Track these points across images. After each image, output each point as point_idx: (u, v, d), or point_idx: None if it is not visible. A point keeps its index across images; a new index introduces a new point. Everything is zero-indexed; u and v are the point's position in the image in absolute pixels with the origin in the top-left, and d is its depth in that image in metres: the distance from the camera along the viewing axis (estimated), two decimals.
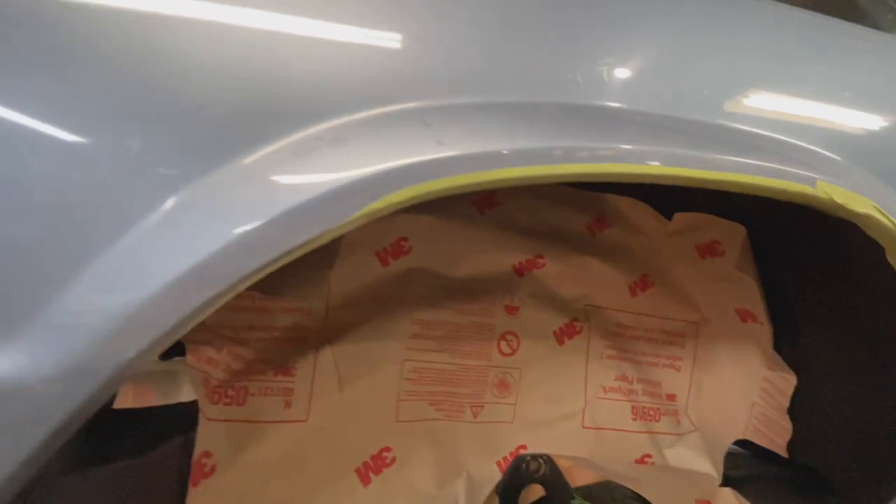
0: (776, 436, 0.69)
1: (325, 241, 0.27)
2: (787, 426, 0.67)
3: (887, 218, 0.38)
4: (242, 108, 0.27)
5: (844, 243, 0.54)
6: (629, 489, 0.56)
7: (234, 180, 0.26)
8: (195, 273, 0.25)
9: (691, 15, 0.41)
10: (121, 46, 0.26)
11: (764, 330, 0.67)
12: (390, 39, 0.30)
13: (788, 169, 0.35)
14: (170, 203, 0.25)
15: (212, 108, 0.26)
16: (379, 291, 0.60)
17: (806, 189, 0.35)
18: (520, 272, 0.67)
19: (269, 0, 0.28)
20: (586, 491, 0.57)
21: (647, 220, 0.71)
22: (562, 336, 0.68)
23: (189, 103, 0.27)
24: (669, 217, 0.69)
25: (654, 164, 0.31)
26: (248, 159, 0.26)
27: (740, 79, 0.40)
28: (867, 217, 0.37)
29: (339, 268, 0.58)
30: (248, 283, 0.27)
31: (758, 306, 0.66)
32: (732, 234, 0.66)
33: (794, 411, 0.66)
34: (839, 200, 0.36)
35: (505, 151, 0.29)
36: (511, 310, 0.66)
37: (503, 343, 0.65)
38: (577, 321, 0.69)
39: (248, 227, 0.25)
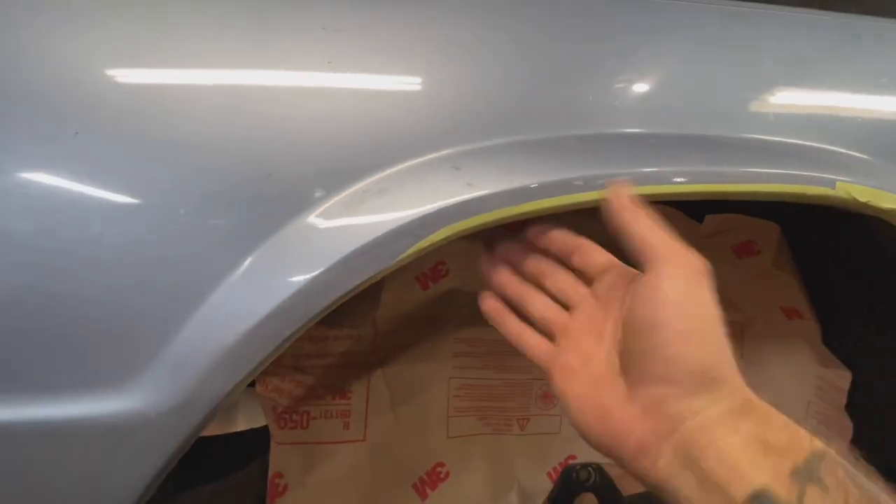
0: (837, 435, 0.67)
1: (379, 278, 0.31)
2: (847, 424, 0.65)
3: None
4: (300, 174, 0.32)
5: (883, 235, 0.53)
6: None
7: (299, 236, 0.30)
8: (273, 316, 0.29)
9: (698, 30, 0.43)
10: (205, 127, 0.32)
11: (811, 326, 0.66)
12: (418, 98, 0.35)
13: (805, 173, 0.37)
14: (248, 261, 0.30)
15: (276, 175, 0.31)
16: (422, 314, 0.64)
17: (826, 191, 0.37)
18: None
19: (311, 82, 0.33)
20: (641, 499, 0.58)
21: (680, 225, 0.71)
22: None
23: (259, 172, 0.32)
24: (700, 220, 0.70)
25: (671, 182, 0.33)
26: (309, 216, 0.31)
27: (754, 87, 0.42)
28: (892, 212, 0.38)
29: (384, 295, 0.63)
30: (318, 319, 0.31)
31: (802, 303, 0.65)
32: (766, 233, 0.66)
33: (852, 408, 0.64)
34: (862, 199, 0.37)
35: (531, 186, 0.32)
36: None
37: None
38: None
39: (313, 274, 0.29)
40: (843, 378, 0.65)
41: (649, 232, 0.30)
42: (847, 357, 0.64)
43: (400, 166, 0.33)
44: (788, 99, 0.42)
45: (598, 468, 0.56)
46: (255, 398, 0.54)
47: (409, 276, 0.65)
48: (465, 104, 0.35)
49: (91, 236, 0.29)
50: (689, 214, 0.70)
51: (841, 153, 0.41)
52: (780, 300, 0.68)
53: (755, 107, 0.41)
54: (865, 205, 0.37)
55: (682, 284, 0.29)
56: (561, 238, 0.36)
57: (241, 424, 0.56)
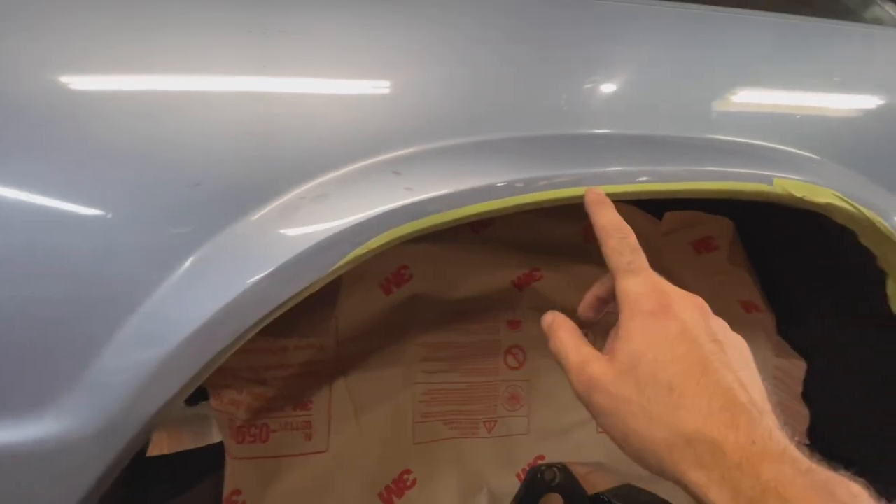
0: (794, 423, 0.69)
1: (318, 287, 0.31)
2: (804, 412, 0.67)
3: (850, 204, 0.39)
4: (232, 182, 0.30)
5: (833, 228, 0.55)
6: (648, 492, 0.57)
7: (230, 247, 0.29)
8: (203, 332, 0.28)
9: (651, 35, 0.44)
10: (132, 133, 0.30)
11: (768, 318, 0.68)
12: (358, 101, 0.34)
13: (743, 170, 0.37)
14: (175, 275, 0.29)
15: (205, 185, 0.30)
16: (385, 320, 0.63)
17: (762, 187, 0.37)
18: (519, 287, 0.69)
19: (244, 86, 0.32)
20: (605, 497, 0.58)
21: (639, 222, 0.72)
22: None
23: (186, 181, 0.30)
24: (659, 217, 0.71)
25: (608, 185, 0.33)
26: (241, 226, 0.30)
27: (700, 88, 0.42)
28: (829, 206, 0.39)
29: (344, 301, 0.61)
30: (254, 332, 0.30)
31: (757, 296, 0.66)
32: (722, 229, 0.67)
33: (808, 397, 0.66)
34: (798, 194, 0.38)
35: (465, 189, 0.32)
36: (514, 324, 0.68)
37: (509, 357, 0.67)
38: (581, 328, 0.71)
39: (244, 287, 0.28)
40: (798, 367, 0.67)
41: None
42: (802, 347, 0.66)
43: (338, 171, 0.32)
44: (733, 98, 0.43)
45: (563, 468, 0.56)
46: (208, 414, 0.52)
47: (372, 282, 0.64)
48: (408, 107, 0.35)
49: (4, 246, 0.27)
50: (648, 211, 0.71)
51: (782, 150, 0.42)
52: (738, 294, 0.69)
53: (698, 106, 0.41)
54: (801, 199, 0.38)
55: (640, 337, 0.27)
56: None
57: (214, 437, 0.54)
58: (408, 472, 0.60)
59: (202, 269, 0.29)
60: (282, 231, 0.30)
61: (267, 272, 0.29)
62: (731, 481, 0.23)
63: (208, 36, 0.34)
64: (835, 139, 0.45)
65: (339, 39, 0.35)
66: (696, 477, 0.24)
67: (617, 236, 0.31)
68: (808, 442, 0.67)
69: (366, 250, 0.30)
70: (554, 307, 0.71)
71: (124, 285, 0.29)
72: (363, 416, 0.59)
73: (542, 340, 0.72)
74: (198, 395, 0.54)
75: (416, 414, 0.62)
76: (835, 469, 0.23)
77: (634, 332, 0.28)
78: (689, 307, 0.28)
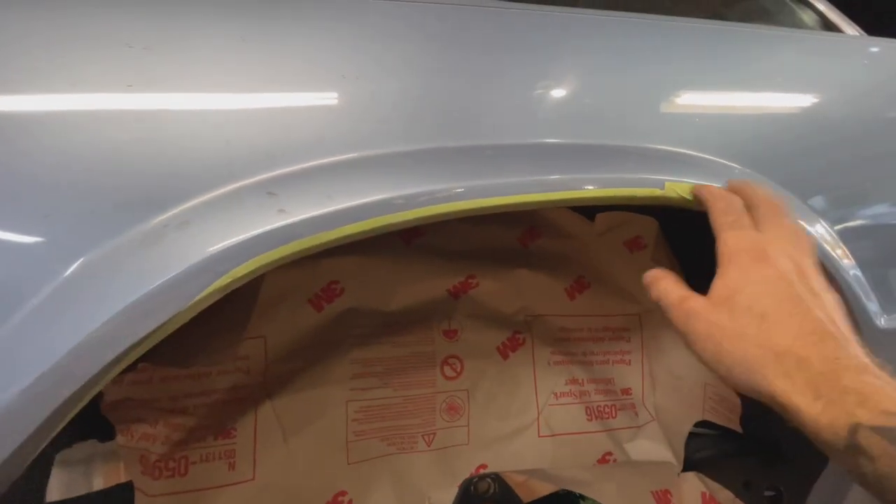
0: (730, 412, 0.70)
1: (181, 322, 0.29)
2: (737, 402, 0.69)
3: None
4: (86, 212, 0.28)
5: None
6: (586, 497, 0.57)
7: (82, 282, 0.27)
8: (48, 377, 0.26)
9: (566, 42, 0.44)
10: None
11: None
12: (227, 119, 0.32)
13: (634, 176, 0.38)
14: (19, 314, 0.27)
15: (55, 217, 0.28)
16: (316, 338, 0.61)
17: (654, 192, 0.38)
18: (455, 295, 0.68)
19: (104, 105, 0.30)
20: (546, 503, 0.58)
21: (575, 224, 0.73)
22: (506, 350, 0.70)
23: (35, 212, 0.28)
24: (591, 217, 0.72)
25: (488, 198, 0.33)
26: (95, 258, 0.28)
27: (619, 94, 0.43)
28: None
29: (272, 321, 0.59)
30: (111, 374, 0.28)
31: None
32: (649, 227, 0.69)
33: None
34: (688, 196, 0.38)
35: (343, 208, 0.30)
36: (450, 334, 0.67)
37: (446, 367, 0.66)
38: (519, 333, 0.71)
39: (94, 326, 0.26)
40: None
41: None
42: None
43: (207, 196, 0.30)
44: (652, 105, 0.44)
45: (498, 477, 0.56)
46: (115, 452, 0.49)
47: (301, 299, 0.62)
48: (286, 124, 0.33)
49: None
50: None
51: (680, 153, 0.43)
52: None
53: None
54: (692, 202, 0.39)
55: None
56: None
57: (122, 476, 0.50)
58: (342, 493, 0.58)
59: (50, 307, 0.27)
60: (141, 262, 0.28)
61: (120, 308, 0.27)
62: (814, 385, 0.25)
63: (72, 53, 0.31)
64: (743, 145, 0.46)
65: (208, 54, 0.34)
66: (782, 385, 0.26)
67: (726, 200, 0.35)
68: (741, 430, 0.68)
69: (230, 279, 0.28)
70: (491, 314, 0.71)
71: None
72: (292, 439, 0.57)
73: (480, 348, 0.72)
74: (109, 430, 0.51)
75: (350, 433, 0.60)
76: None
77: (732, 273, 0.31)
78: (786, 261, 0.31)
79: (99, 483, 0.47)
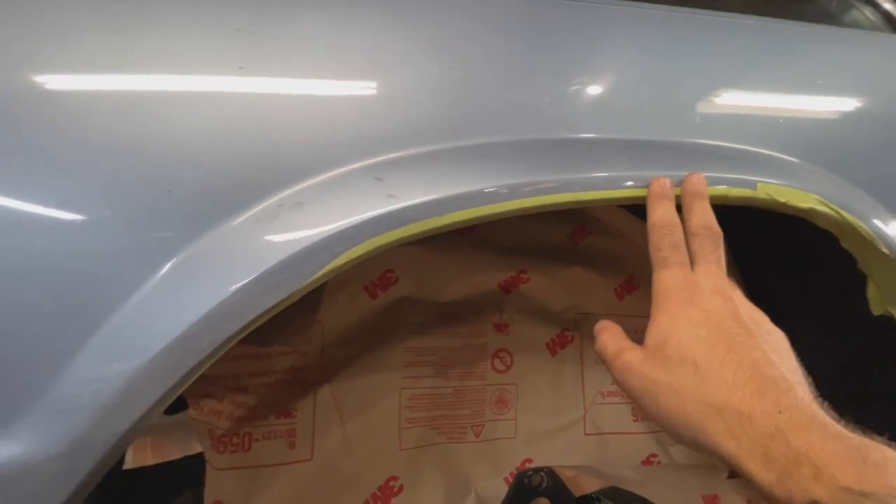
0: None
1: (298, 297, 0.30)
2: None
3: (831, 209, 0.39)
4: (204, 189, 0.29)
5: (809, 231, 0.56)
6: (635, 494, 0.57)
7: (205, 257, 0.28)
8: (176, 346, 0.27)
9: (634, 38, 0.44)
10: (102, 134, 0.29)
11: None
12: (338, 105, 0.33)
13: (728, 175, 0.37)
14: (147, 285, 0.28)
15: (176, 192, 0.29)
16: (371, 325, 0.62)
17: (747, 192, 0.37)
18: (506, 290, 0.69)
19: (220, 88, 0.31)
20: (592, 500, 0.58)
21: (626, 223, 0.73)
22: (554, 347, 0.70)
23: (159, 188, 0.29)
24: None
25: (588, 191, 0.33)
26: (215, 235, 0.29)
27: (685, 92, 0.42)
28: (811, 211, 0.39)
29: (329, 306, 0.60)
30: (231, 344, 0.29)
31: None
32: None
33: None
34: (781, 199, 0.38)
35: (449, 196, 0.31)
36: (501, 327, 0.68)
37: (496, 360, 0.67)
38: (567, 331, 0.71)
39: (219, 299, 0.27)
40: None
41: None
42: None
43: (318, 178, 0.31)
44: (716, 102, 0.43)
45: (551, 472, 0.56)
46: (188, 424, 0.50)
47: (357, 286, 0.63)
48: (391, 110, 0.34)
49: None
50: (639, 215, 0.72)
51: (766, 154, 0.42)
52: None
53: (683, 110, 0.41)
54: (785, 205, 0.38)
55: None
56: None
57: (195, 447, 0.52)
58: (394, 478, 0.59)
59: (177, 278, 0.28)
60: (259, 240, 0.29)
61: (244, 283, 0.28)
62: (762, 449, 0.24)
63: (183, 36, 0.32)
64: (817, 143, 0.45)
65: (319, 40, 0.34)
66: (729, 447, 0.25)
67: (660, 232, 0.33)
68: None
69: (346, 260, 0.29)
70: (541, 310, 0.71)
71: (94, 294, 0.28)
72: (348, 423, 0.58)
73: (530, 343, 0.72)
74: (178, 405, 0.53)
75: (403, 420, 0.61)
76: (868, 435, 0.23)
77: (661, 318, 0.30)
78: (715, 298, 0.30)
79: (173, 453, 0.48)
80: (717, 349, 0.27)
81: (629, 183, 0.35)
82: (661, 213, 0.33)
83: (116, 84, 0.30)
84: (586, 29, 0.41)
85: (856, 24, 0.82)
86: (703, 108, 0.42)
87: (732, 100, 0.44)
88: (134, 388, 0.27)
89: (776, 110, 0.46)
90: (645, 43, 0.44)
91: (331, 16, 0.35)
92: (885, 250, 0.41)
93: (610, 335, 0.33)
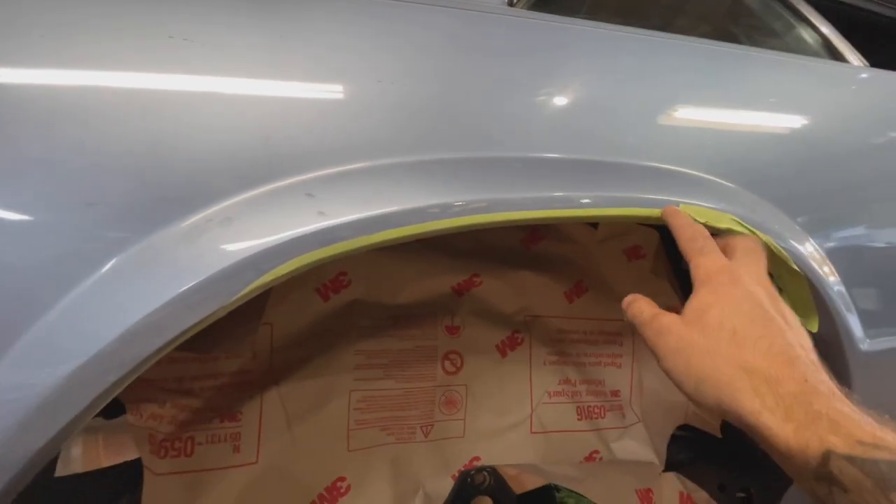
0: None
1: (223, 314, 0.30)
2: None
3: (747, 228, 0.42)
4: (130, 203, 0.29)
5: None
6: (573, 491, 0.60)
7: (125, 273, 0.28)
8: (94, 363, 0.27)
9: (581, 59, 0.45)
10: (30, 138, 0.28)
11: None
12: (268, 117, 0.33)
13: (651, 196, 0.40)
14: (65, 301, 0.27)
15: (100, 207, 0.29)
16: (322, 327, 0.63)
17: (655, 212, 0.40)
18: (459, 293, 0.70)
19: (143, 99, 0.31)
20: (532, 497, 0.61)
21: (578, 230, 0.75)
22: (504, 348, 0.72)
23: (80, 201, 0.29)
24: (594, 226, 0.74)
25: (519, 210, 0.34)
26: (139, 251, 0.28)
27: (621, 113, 0.44)
28: (728, 231, 0.42)
29: (280, 308, 0.60)
30: (155, 359, 0.29)
31: (677, 301, 0.71)
32: (650, 238, 0.71)
33: None
34: (699, 219, 0.40)
35: (381, 213, 0.32)
36: (452, 330, 0.69)
37: (447, 362, 0.68)
38: (518, 332, 0.73)
39: (140, 316, 0.27)
40: None
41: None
42: None
43: (248, 193, 0.31)
44: (648, 123, 0.45)
45: (493, 471, 0.59)
46: (122, 429, 0.50)
47: (309, 288, 0.63)
48: (324, 126, 0.34)
49: None
50: None
51: (690, 175, 0.45)
52: (663, 299, 0.73)
53: (616, 131, 0.43)
54: (703, 224, 0.41)
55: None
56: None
57: (132, 453, 0.52)
58: (342, 479, 0.60)
59: (99, 292, 0.28)
60: (185, 256, 0.29)
61: (167, 299, 0.28)
62: (784, 405, 0.25)
63: (114, 41, 0.32)
64: (740, 164, 0.48)
65: (256, 51, 0.34)
66: (751, 404, 0.26)
67: (691, 227, 0.36)
68: (720, 435, 0.72)
69: (272, 277, 0.29)
70: (493, 312, 0.73)
71: (11, 306, 0.27)
72: (296, 425, 0.59)
73: (480, 345, 0.74)
74: (116, 409, 0.52)
75: (352, 421, 0.62)
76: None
77: (704, 293, 0.31)
78: (757, 286, 0.32)
79: (107, 459, 0.48)
80: (755, 324, 0.29)
81: (557, 204, 0.37)
82: (682, 219, 0.37)
83: (41, 86, 0.29)
84: (526, 47, 0.43)
85: (800, 47, 0.87)
86: (635, 128, 0.44)
87: (664, 120, 0.46)
88: (51, 403, 0.27)
89: (705, 131, 0.48)
90: (586, 64, 0.45)
91: (268, 25, 0.35)
92: (795, 267, 0.45)
93: (645, 303, 0.34)
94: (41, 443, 0.27)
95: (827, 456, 0.23)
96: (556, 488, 0.75)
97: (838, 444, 0.23)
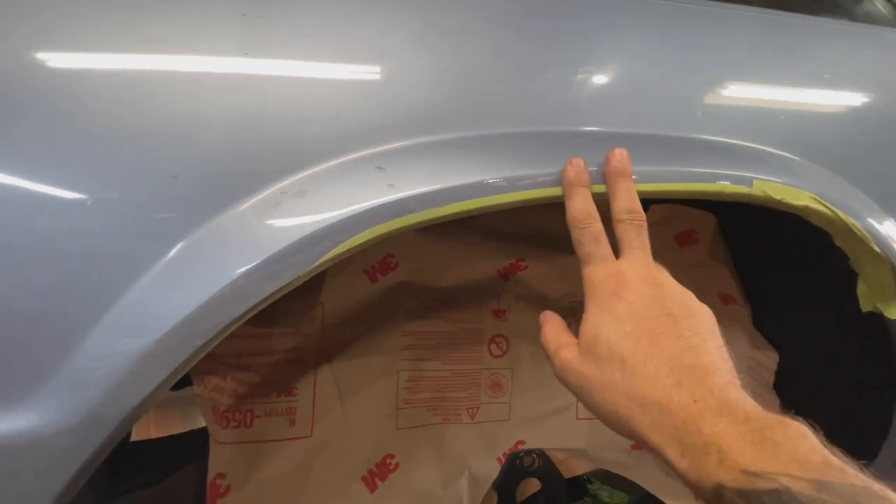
0: (767, 399, 0.71)
1: (300, 282, 0.31)
2: (774, 401, 0.70)
3: (826, 207, 0.40)
4: (210, 175, 0.30)
5: (808, 226, 0.56)
6: (622, 477, 0.59)
7: (209, 242, 0.29)
8: (182, 327, 0.28)
9: (636, 30, 0.43)
10: (112, 118, 0.30)
11: (744, 311, 0.70)
12: (341, 93, 0.33)
13: (725, 171, 0.38)
14: (154, 269, 0.29)
15: (183, 178, 0.30)
16: (371, 307, 0.64)
17: (742, 189, 0.38)
18: (504, 277, 0.70)
19: (223, 73, 0.31)
20: (581, 481, 0.60)
21: None
22: None
23: (165, 173, 0.30)
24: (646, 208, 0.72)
25: (592, 184, 0.34)
26: (220, 221, 0.29)
27: (687, 87, 0.42)
28: (806, 208, 0.40)
29: (330, 289, 0.61)
30: (234, 327, 0.30)
31: (735, 289, 0.68)
32: (704, 223, 0.68)
33: (778, 385, 0.69)
34: (776, 196, 0.38)
35: (449, 187, 0.32)
36: (499, 313, 0.69)
37: (493, 346, 0.68)
38: (564, 318, 0.72)
39: (223, 284, 0.28)
40: (771, 358, 0.69)
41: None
42: (774, 338, 0.68)
43: (321, 166, 0.32)
44: (717, 97, 0.43)
45: (542, 454, 0.58)
46: (193, 399, 0.52)
47: (357, 269, 0.64)
48: (394, 100, 0.34)
49: None
50: None
51: (763, 151, 0.42)
52: (717, 287, 0.71)
53: (684, 105, 0.41)
54: (780, 202, 0.39)
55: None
56: None
57: (199, 422, 0.54)
58: (391, 456, 0.61)
59: (183, 262, 0.29)
60: (263, 227, 0.30)
61: (247, 268, 0.29)
62: (679, 439, 0.25)
63: (187, 21, 0.32)
64: (816, 140, 0.45)
65: (323, 26, 0.35)
66: (654, 438, 0.26)
67: (579, 227, 0.33)
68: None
69: (347, 248, 0.30)
70: (538, 297, 0.72)
71: (106, 274, 0.29)
72: (347, 402, 0.60)
73: (526, 330, 0.73)
74: (182, 381, 0.55)
75: (400, 400, 0.63)
76: (784, 413, 0.25)
77: (591, 315, 0.31)
78: (641, 287, 0.30)
79: (177, 427, 0.50)
80: (641, 342, 0.28)
81: (634, 177, 0.35)
82: (577, 206, 0.33)
83: (122, 69, 0.31)
84: (588, 20, 0.41)
85: (867, 17, 0.81)
86: (703, 102, 0.42)
87: (733, 94, 0.44)
88: (144, 365, 0.28)
89: (777, 106, 0.46)
90: (647, 36, 0.44)
91: (335, 3, 0.35)
92: (876, 248, 0.42)
93: (551, 330, 0.34)
94: (134, 402, 0.29)
95: (719, 492, 0.23)
96: (589, 480, 0.75)
97: (727, 479, 0.23)
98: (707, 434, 0.24)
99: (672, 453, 0.25)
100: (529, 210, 0.70)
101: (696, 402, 0.25)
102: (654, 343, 0.28)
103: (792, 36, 0.51)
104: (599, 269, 0.32)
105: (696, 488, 0.24)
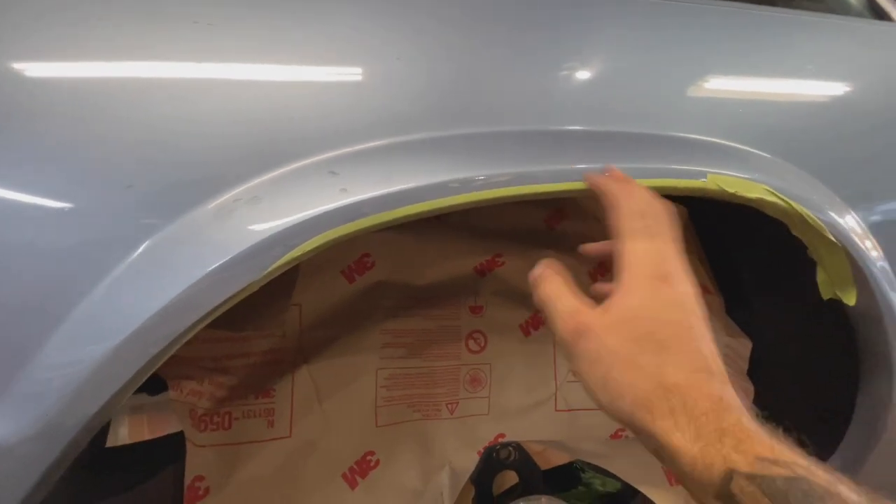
0: (741, 396, 0.73)
1: (254, 289, 0.31)
2: (749, 387, 0.71)
3: (780, 198, 0.41)
4: (164, 184, 0.30)
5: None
6: (598, 466, 0.60)
7: (161, 252, 0.29)
8: (135, 337, 0.28)
9: (603, 30, 0.44)
10: (67, 127, 0.30)
11: (717, 300, 0.71)
12: (293, 98, 0.34)
13: (678, 167, 0.39)
14: (107, 280, 0.29)
15: (138, 186, 0.30)
16: (348, 307, 0.64)
17: (696, 183, 0.39)
18: (481, 273, 0.70)
19: (170, 83, 0.32)
20: (557, 473, 0.61)
21: (601, 209, 0.74)
22: (528, 328, 0.72)
23: (118, 183, 0.30)
24: None
25: (541, 184, 0.34)
26: (173, 230, 0.30)
27: (645, 83, 0.43)
28: (760, 200, 0.40)
29: (307, 290, 0.62)
30: (190, 334, 0.30)
31: (707, 280, 0.69)
32: (678, 214, 0.69)
33: (751, 372, 0.70)
34: (730, 189, 0.39)
35: (402, 189, 0.32)
36: (476, 310, 0.70)
37: (471, 342, 0.69)
38: (541, 312, 0.73)
39: (176, 293, 0.29)
40: (745, 346, 0.70)
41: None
42: (745, 326, 0.70)
43: (274, 172, 0.32)
44: (675, 91, 0.44)
45: (519, 447, 0.59)
46: (166, 404, 0.53)
47: (334, 270, 0.64)
48: (346, 104, 0.35)
49: None
50: None
51: (718, 144, 0.43)
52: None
53: (641, 101, 0.42)
54: (733, 195, 0.40)
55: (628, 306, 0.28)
56: None
57: (174, 427, 0.55)
58: (371, 453, 0.62)
59: (138, 271, 0.30)
60: (217, 234, 0.30)
61: (201, 275, 0.29)
62: (696, 424, 0.25)
63: (139, 27, 0.33)
64: (775, 133, 0.46)
65: (274, 33, 0.35)
66: (663, 423, 0.25)
67: (633, 197, 0.33)
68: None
69: (300, 253, 0.30)
70: (515, 292, 0.73)
71: (60, 284, 0.29)
72: (326, 401, 0.61)
73: (504, 325, 0.74)
74: (159, 385, 0.55)
75: (379, 398, 0.64)
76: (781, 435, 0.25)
77: (635, 290, 0.29)
78: (688, 283, 0.30)
79: (152, 432, 0.51)
80: (683, 334, 0.28)
81: (580, 176, 0.36)
82: (625, 186, 0.33)
83: (77, 76, 0.31)
84: (547, 20, 0.42)
85: (840, 7, 0.82)
86: (660, 98, 0.43)
87: (692, 89, 0.45)
88: (101, 373, 0.29)
89: (737, 99, 0.47)
90: (608, 34, 0.44)
91: (287, 6, 0.36)
92: (831, 237, 0.43)
93: (557, 286, 0.31)
94: (92, 411, 0.29)
95: (729, 475, 0.23)
96: (582, 469, 0.76)
97: (741, 463, 0.23)
98: (726, 427, 0.24)
99: (682, 437, 0.25)
100: (505, 207, 0.71)
101: (721, 399, 0.26)
102: (692, 339, 0.28)
103: (759, 29, 0.52)
104: (654, 252, 0.30)
105: (702, 473, 0.24)
